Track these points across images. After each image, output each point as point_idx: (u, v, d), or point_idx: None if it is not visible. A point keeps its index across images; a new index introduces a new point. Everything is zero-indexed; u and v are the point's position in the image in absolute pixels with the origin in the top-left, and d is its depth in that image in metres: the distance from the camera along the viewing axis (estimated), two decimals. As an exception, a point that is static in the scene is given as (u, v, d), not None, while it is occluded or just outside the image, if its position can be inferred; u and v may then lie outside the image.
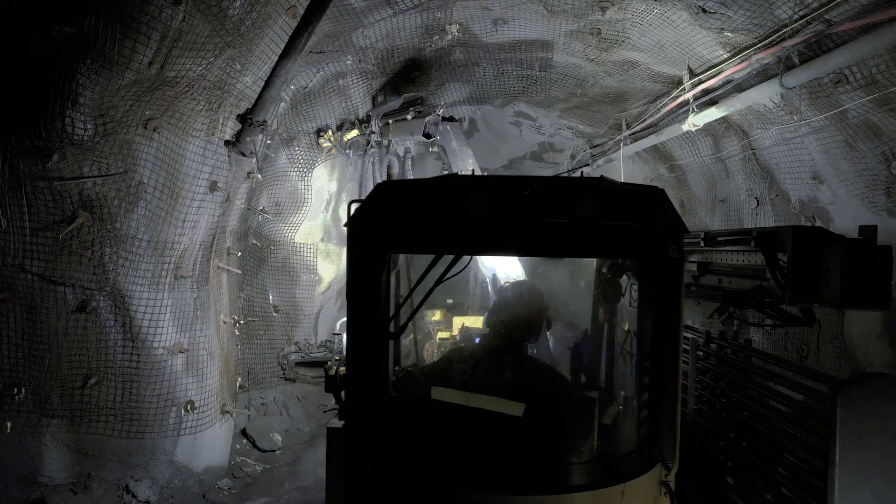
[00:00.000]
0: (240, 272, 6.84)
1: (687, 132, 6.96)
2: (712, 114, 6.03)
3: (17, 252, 4.86)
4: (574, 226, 2.03)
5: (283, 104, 6.69)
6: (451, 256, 2.04)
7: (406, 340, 3.38)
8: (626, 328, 2.77)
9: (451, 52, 7.13)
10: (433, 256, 2.01)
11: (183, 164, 5.10)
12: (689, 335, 3.87)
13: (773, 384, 3.05)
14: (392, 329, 2.28)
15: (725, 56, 5.79)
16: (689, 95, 6.36)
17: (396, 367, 2.84)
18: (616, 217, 2.09)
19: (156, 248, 5.18)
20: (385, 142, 7.08)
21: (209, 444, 6.07)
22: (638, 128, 8.02)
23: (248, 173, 6.36)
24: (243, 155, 4.28)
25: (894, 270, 2.46)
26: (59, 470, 5.34)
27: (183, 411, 5.66)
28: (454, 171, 5.91)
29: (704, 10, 5.08)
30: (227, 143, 4.23)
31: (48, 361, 5.13)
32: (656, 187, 2.33)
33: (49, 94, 4.13)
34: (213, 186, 5.37)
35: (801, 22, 4.74)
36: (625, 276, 2.63)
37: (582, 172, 6.21)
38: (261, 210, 7.55)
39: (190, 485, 5.76)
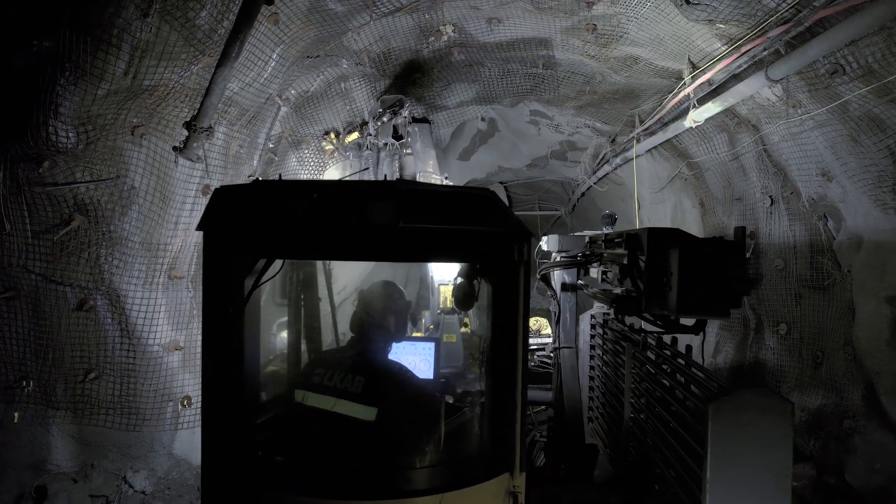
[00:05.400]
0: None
1: (696, 128, 6.72)
2: (710, 109, 5.80)
3: (21, 253, 5.18)
4: (373, 229, 2.01)
5: (284, 109, 6.85)
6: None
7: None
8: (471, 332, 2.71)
9: (451, 53, 7.12)
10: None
11: (173, 169, 5.31)
12: (628, 340, 3.73)
13: (700, 392, 2.89)
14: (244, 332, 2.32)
15: (724, 49, 5.56)
16: (689, 90, 6.13)
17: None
18: (424, 220, 2.05)
19: (148, 250, 5.41)
20: (381, 143, 7.16)
21: (209, 438, 6.29)
22: (649, 124, 7.79)
23: (249, 177, 6.55)
24: (191, 160, 4.44)
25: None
26: (65, 459, 5.65)
27: (180, 406, 5.88)
28: (416, 172, 5.92)
29: (688, 2, 4.89)
30: (175, 148, 4.39)
31: (52, 356, 5.43)
32: (486, 189, 2.26)
33: (34, 104, 4.38)
34: (205, 189, 5.56)
35: (788, 10, 4.50)
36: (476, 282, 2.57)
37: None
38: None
39: (187, 477, 5.98)
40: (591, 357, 5.35)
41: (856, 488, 5.32)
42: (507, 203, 15.66)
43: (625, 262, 3.03)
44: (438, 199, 2.20)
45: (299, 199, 2.14)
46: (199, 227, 2.27)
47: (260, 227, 2.12)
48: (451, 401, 2.93)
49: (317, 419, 2.41)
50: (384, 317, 2.78)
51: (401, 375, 2.81)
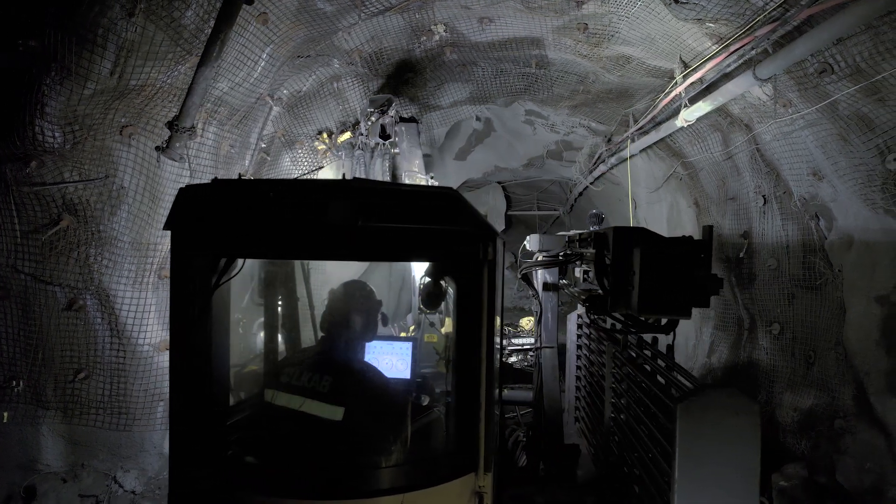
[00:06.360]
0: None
1: (690, 128, 6.72)
2: (701, 108, 5.78)
3: (10, 253, 5.18)
4: (331, 229, 2.01)
5: (276, 109, 6.85)
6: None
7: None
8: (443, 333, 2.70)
9: (443, 53, 7.11)
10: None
11: (162, 169, 5.31)
12: (609, 339, 3.72)
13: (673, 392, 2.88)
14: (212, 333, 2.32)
15: (714, 48, 5.55)
16: (680, 89, 6.12)
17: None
18: (384, 219, 2.04)
19: (138, 250, 5.41)
20: (373, 143, 7.15)
21: (200, 438, 6.29)
22: (643, 123, 7.78)
23: (239, 175, 6.55)
24: (173, 160, 4.44)
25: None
26: (55, 459, 5.65)
27: (170, 406, 5.88)
28: (402, 172, 5.91)
29: (677, 1, 4.88)
30: (157, 148, 4.39)
31: (42, 356, 5.44)
32: (450, 188, 2.24)
33: (20, 104, 4.38)
34: (194, 190, 5.56)
35: (775, 10, 4.49)
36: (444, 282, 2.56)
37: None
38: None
39: (178, 477, 5.99)
40: (578, 357, 5.35)
41: (847, 488, 5.30)
42: (504, 202, 15.67)
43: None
44: (399, 198, 2.19)
45: (258, 199, 2.14)
46: (165, 227, 2.28)
47: (219, 227, 2.12)
48: (425, 401, 2.92)
49: (285, 419, 2.41)
50: (351, 316, 2.78)
51: (367, 375, 2.81)
